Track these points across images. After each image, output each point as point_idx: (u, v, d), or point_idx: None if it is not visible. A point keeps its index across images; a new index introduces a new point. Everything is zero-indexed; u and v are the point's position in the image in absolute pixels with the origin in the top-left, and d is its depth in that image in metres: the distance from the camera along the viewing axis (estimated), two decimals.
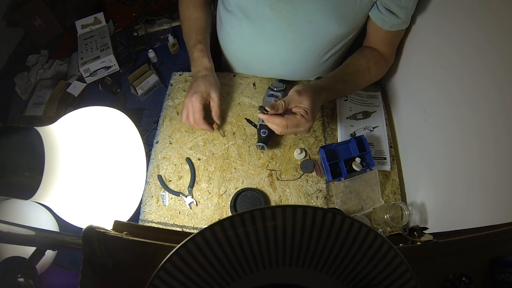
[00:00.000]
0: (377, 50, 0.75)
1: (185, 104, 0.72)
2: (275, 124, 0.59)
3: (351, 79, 0.72)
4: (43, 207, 0.63)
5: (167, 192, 0.77)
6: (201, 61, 0.69)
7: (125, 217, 0.49)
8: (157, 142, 0.84)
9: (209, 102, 0.73)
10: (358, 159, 0.75)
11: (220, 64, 0.95)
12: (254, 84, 0.89)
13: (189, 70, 0.95)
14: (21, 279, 0.36)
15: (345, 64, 0.74)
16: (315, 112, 0.60)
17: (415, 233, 0.36)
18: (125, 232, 0.34)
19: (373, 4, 0.66)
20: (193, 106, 0.66)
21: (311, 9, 0.65)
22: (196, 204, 0.76)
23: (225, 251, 0.27)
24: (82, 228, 0.31)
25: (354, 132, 0.82)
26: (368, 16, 0.69)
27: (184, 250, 0.26)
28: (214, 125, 0.76)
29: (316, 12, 0.66)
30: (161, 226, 0.74)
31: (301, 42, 0.73)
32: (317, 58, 0.78)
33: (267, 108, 0.59)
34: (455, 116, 0.58)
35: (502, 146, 0.47)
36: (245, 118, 0.85)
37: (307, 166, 0.77)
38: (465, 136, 0.56)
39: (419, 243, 0.35)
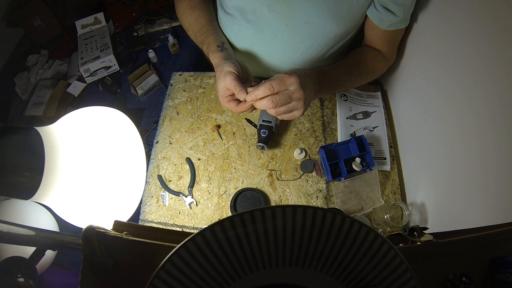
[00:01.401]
0: (376, 48, 0.75)
1: None
2: (261, 94, 0.55)
3: (345, 67, 0.71)
4: (43, 207, 0.63)
5: (167, 192, 0.77)
6: (211, 62, 0.67)
7: (125, 217, 0.49)
8: (157, 142, 0.84)
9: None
10: (358, 159, 0.75)
11: None
12: (253, 85, 0.89)
13: (189, 70, 0.96)
14: (21, 279, 0.36)
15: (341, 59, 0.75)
16: (300, 74, 0.56)
17: (415, 233, 0.36)
18: (125, 232, 0.34)
19: (371, 3, 0.65)
20: (227, 107, 0.62)
21: (308, 9, 0.65)
22: (196, 204, 0.76)
23: (225, 251, 0.27)
24: (82, 228, 0.31)
25: (354, 132, 0.82)
26: (366, 16, 0.69)
27: (184, 250, 0.26)
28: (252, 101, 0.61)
29: (313, 12, 0.66)
30: (161, 226, 0.74)
31: (299, 43, 0.73)
32: (316, 58, 0.78)
33: (249, 89, 0.57)
34: (455, 116, 0.58)
35: (502, 146, 0.46)
36: (245, 118, 0.85)
37: (307, 166, 0.77)
38: (465, 136, 0.56)
39: (419, 243, 0.36)
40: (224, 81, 0.59)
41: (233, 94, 0.60)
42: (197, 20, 0.75)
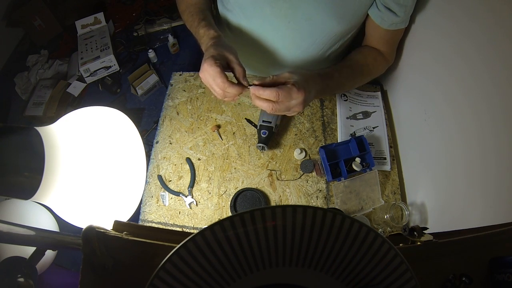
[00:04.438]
0: (376, 48, 0.75)
1: (203, 79, 0.58)
2: (265, 96, 0.54)
3: (349, 71, 0.72)
4: (43, 207, 0.63)
5: (167, 192, 0.77)
6: (207, 33, 0.63)
7: (125, 217, 0.49)
8: (157, 142, 0.84)
9: (227, 65, 0.58)
10: (358, 159, 0.75)
11: None
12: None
13: (189, 70, 0.96)
14: (21, 279, 0.36)
15: (342, 59, 0.75)
16: (308, 88, 0.56)
17: (415, 233, 0.36)
18: (125, 232, 0.34)
19: (373, 2, 0.66)
20: (210, 73, 0.54)
21: (310, 7, 0.65)
22: (196, 204, 0.76)
23: (225, 251, 0.27)
24: (82, 228, 0.31)
25: (354, 132, 0.82)
26: (367, 15, 0.69)
27: (184, 250, 0.26)
28: (245, 84, 0.58)
29: (315, 10, 0.66)
30: (161, 226, 0.74)
31: (301, 40, 0.73)
32: (316, 57, 0.78)
33: (255, 82, 0.55)
34: (455, 116, 0.58)
35: (502, 146, 0.47)
36: (245, 118, 0.85)
37: (307, 166, 0.77)
38: (465, 136, 0.56)
39: (419, 243, 0.35)
40: (230, 53, 0.56)
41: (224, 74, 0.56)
42: (195, 5, 0.74)
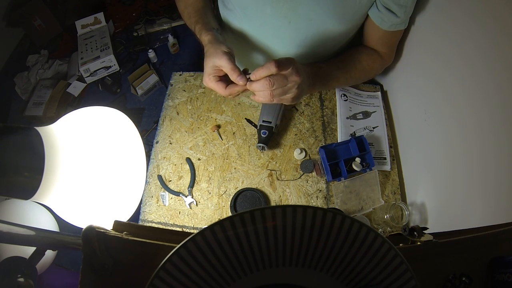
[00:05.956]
0: (373, 48, 0.75)
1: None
2: (260, 84, 0.54)
3: (339, 64, 0.72)
4: (43, 207, 0.63)
5: (167, 192, 0.77)
6: (202, 39, 0.65)
7: (125, 217, 0.49)
8: (157, 142, 0.84)
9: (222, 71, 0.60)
10: (358, 159, 0.75)
11: None
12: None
13: (189, 70, 0.96)
14: (21, 279, 0.36)
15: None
16: (300, 72, 0.56)
17: (415, 233, 0.36)
18: (125, 232, 0.34)
19: (373, 3, 0.66)
20: (212, 87, 0.60)
21: (310, 8, 0.65)
22: (196, 204, 0.76)
23: (225, 251, 0.27)
24: (82, 228, 0.31)
25: (354, 132, 0.82)
26: (367, 16, 0.69)
27: (184, 250, 0.26)
28: (247, 84, 0.59)
29: (315, 11, 0.66)
30: (161, 226, 0.74)
31: (301, 41, 0.73)
32: (316, 57, 0.78)
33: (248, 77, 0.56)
34: (455, 116, 0.58)
35: (502, 146, 0.47)
36: (245, 118, 0.85)
37: (307, 166, 0.77)
38: (465, 136, 0.56)
39: (419, 243, 0.36)
40: (219, 60, 0.57)
41: (221, 76, 0.59)
42: (193, 4, 0.74)
